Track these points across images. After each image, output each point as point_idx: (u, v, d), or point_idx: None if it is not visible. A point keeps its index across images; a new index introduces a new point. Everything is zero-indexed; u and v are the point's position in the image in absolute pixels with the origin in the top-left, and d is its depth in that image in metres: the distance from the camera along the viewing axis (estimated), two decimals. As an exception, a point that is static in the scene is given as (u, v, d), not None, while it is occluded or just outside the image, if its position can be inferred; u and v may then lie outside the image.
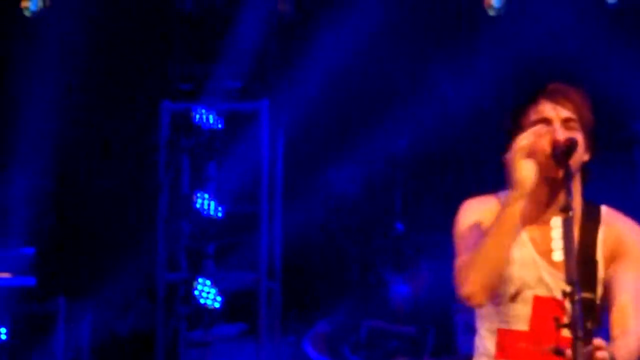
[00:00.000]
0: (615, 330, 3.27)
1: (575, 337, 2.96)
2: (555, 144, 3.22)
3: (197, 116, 7.42)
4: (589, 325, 3.16)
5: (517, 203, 3.23)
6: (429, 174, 7.99)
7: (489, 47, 7.63)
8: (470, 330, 7.46)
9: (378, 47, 7.77)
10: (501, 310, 3.32)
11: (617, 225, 3.35)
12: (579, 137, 3.26)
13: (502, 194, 3.35)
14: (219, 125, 7.45)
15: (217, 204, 7.33)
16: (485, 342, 3.38)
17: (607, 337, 3.23)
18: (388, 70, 7.95)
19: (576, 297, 2.98)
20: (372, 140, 7.85)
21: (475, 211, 3.39)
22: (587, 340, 3.07)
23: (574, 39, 7.49)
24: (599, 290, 3.31)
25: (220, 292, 7.20)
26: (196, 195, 7.33)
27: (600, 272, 3.33)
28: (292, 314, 7.78)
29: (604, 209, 3.38)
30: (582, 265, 3.21)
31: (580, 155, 3.29)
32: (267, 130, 7.55)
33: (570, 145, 3.21)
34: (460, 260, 3.29)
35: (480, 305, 3.28)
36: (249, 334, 7.57)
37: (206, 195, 7.34)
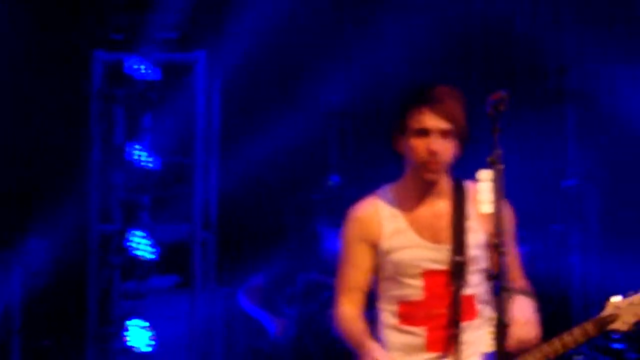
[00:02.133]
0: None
1: (502, 287, 3.33)
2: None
3: (131, 66, 7.32)
4: (461, 284, 3.84)
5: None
6: (365, 127, 8.00)
7: (427, 3, 7.65)
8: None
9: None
10: (396, 288, 3.91)
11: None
12: (452, 146, 3.82)
13: (382, 192, 4.01)
14: (154, 76, 7.36)
15: (152, 155, 7.26)
16: (389, 315, 3.95)
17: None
18: (326, 23, 7.92)
19: (502, 249, 3.34)
20: (309, 92, 7.83)
21: (356, 227, 4.03)
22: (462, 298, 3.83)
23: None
24: (470, 253, 3.87)
25: (155, 244, 7.16)
26: (130, 146, 7.25)
27: (475, 238, 3.87)
28: (227, 265, 7.77)
29: (468, 183, 3.93)
30: (454, 233, 3.87)
31: (451, 156, 3.84)
32: (203, 81, 7.49)
33: (499, 99, 3.44)
34: (340, 281, 4.02)
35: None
36: (184, 286, 7.55)
37: (140, 147, 7.27)
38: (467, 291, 3.90)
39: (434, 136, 3.82)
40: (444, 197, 3.96)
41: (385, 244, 3.93)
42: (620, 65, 7.74)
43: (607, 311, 4.01)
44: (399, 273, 3.90)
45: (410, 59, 7.58)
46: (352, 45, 7.77)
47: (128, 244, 7.18)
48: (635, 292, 4.02)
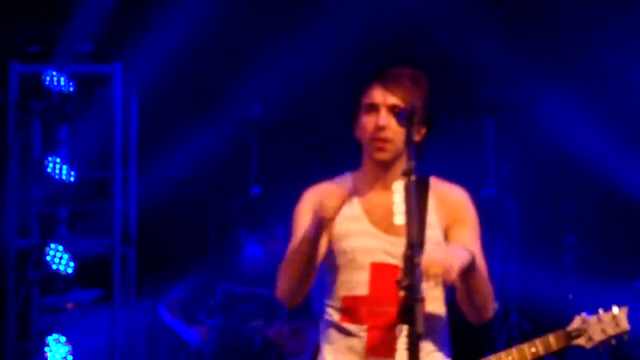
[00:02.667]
0: None
1: (414, 299, 3.16)
2: (398, 110, 3.54)
3: (48, 79, 7.25)
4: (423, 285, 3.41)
5: (316, 230, 3.52)
6: (285, 137, 8.02)
7: (343, 11, 7.68)
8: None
9: (232, 9, 7.72)
10: (342, 279, 3.64)
11: (447, 193, 3.72)
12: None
13: (340, 178, 3.73)
14: (71, 88, 7.30)
15: (70, 169, 7.20)
16: (332, 311, 3.68)
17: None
18: (242, 32, 7.92)
19: (416, 260, 3.17)
20: (227, 102, 7.82)
21: (310, 204, 3.67)
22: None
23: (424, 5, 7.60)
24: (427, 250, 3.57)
25: (73, 258, 7.09)
26: (48, 159, 7.18)
27: (432, 234, 3.64)
28: (148, 279, 7.73)
29: (432, 179, 3.72)
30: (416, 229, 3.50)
31: (401, 137, 3.50)
32: (120, 93, 7.45)
33: (411, 111, 3.37)
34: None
35: (293, 307, 3.69)
36: (104, 300, 7.49)
37: (58, 160, 7.20)
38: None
39: (382, 111, 3.61)
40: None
41: (337, 228, 3.63)
42: (539, 77, 7.85)
43: (574, 325, 3.95)
44: (347, 262, 3.64)
45: (332, 67, 7.61)
46: (270, 53, 7.78)
47: (47, 258, 7.09)
48: (605, 310, 3.96)
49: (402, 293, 3.21)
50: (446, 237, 3.69)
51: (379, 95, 3.63)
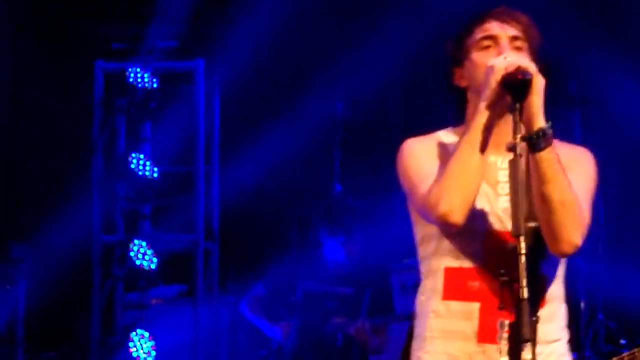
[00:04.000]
0: None
1: (522, 297, 2.71)
2: (507, 76, 2.92)
3: (132, 75, 7.31)
4: (537, 256, 2.98)
5: (486, 111, 2.96)
6: (368, 136, 7.97)
7: (429, 6, 7.61)
8: (407, 291, 7.53)
9: (317, 5, 7.70)
10: (449, 246, 3.08)
11: (569, 150, 3.16)
12: (526, 58, 3.01)
13: (442, 133, 3.22)
14: (154, 85, 7.35)
15: (153, 165, 7.25)
16: (431, 283, 3.13)
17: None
18: (325, 29, 7.89)
19: (523, 252, 2.72)
20: (310, 100, 7.80)
21: (422, 146, 3.19)
22: (538, 276, 2.98)
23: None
24: None
25: (156, 254, 7.14)
26: (131, 155, 7.24)
27: None
28: (230, 275, 7.75)
29: (555, 142, 3.11)
30: (528, 195, 2.93)
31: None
32: (203, 89, 7.48)
33: (525, 82, 2.89)
34: (424, 187, 3.01)
35: (458, 224, 2.96)
36: (187, 296, 7.53)
37: (142, 156, 7.26)
38: (543, 269, 3.07)
39: (504, 42, 3.11)
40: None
41: None
42: (627, 71, 7.70)
43: None
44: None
45: (414, 67, 7.54)
46: (354, 52, 7.74)
47: (130, 254, 7.16)
48: None
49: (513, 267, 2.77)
50: None
51: (497, 27, 3.14)
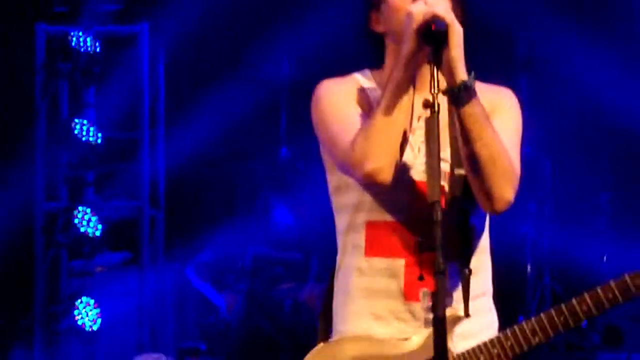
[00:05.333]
0: None
1: (438, 270, 2.53)
2: (422, 26, 2.74)
3: (74, 39, 7.17)
4: (466, 206, 2.88)
5: (407, 60, 2.79)
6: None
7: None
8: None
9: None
10: (370, 199, 2.91)
11: (490, 90, 3.01)
12: (446, 4, 2.80)
13: (360, 76, 3.03)
14: (98, 49, 7.22)
15: (97, 130, 7.13)
16: (352, 238, 2.97)
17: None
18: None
19: (439, 218, 2.54)
20: (256, 63, 7.72)
21: (340, 89, 2.98)
22: (468, 228, 2.87)
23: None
24: None
25: (101, 221, 7.04)
26: (75, 121, 7.11)
27: None
28: (176, 241, 7.68)
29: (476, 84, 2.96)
30: (455, 138, 2.87)
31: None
32: (147, 53, 7.36)
33: (439, 32, 2.73)
34: (346, 139, 2.84)
35: (385, 183, 2.81)
36: (132, 263, 7.46)
37: (85, 122, 7.13)
38: (474, 219, 2.93)
39: None
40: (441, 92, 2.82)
41: None
42: (572, 33, 7.70)
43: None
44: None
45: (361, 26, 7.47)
46: (300, 13, 7.66)
47: (74, 221, 7.05)
48: None
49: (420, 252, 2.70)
50: None
51: None
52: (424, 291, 2.89)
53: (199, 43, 7.55)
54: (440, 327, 2.55)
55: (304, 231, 6.95)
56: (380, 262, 2.92)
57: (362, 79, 3.02)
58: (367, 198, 2.91)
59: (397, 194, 2.88)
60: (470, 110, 2.77)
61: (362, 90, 2.99)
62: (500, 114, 2.95)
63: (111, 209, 7.27)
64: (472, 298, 2.89)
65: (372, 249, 2.92)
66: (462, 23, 2.80)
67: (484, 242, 2.99)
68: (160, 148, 7.54)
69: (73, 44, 7.18)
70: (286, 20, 7.66)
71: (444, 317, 2.54)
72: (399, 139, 2.83)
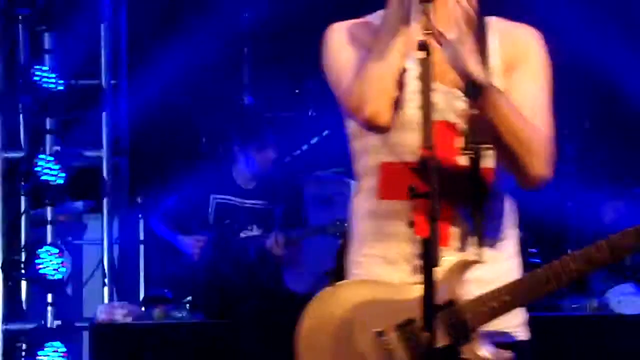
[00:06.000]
0: None
1: (433, 211, 2.49)
2: None
3: (33, -17, 7.04)
4: (483, 146, 2.77)
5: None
6: (277, 46, 7.84)
7: None
8: (320, 203, 7.48)
9: None
10: (388, 140, 2.83)
11: (512, 30, 2.90)
12: None
13: (373, 16, 2.92)
14: (57, -6, 7.08)
15: (58, 77, 7.01)
16: (367, 181, 2.90)
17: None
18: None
19: (434, 165, 2.51)
20: (219, 10, 7.63)
21: (348, 31, 2.89)
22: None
23: None
24: None
25: (63, 169, 6.95)
26: (34, 68, 6.99)
27: (496, 82, 2.79)
28: (140, 190, 7.62)
29: (494, 19, 2.91)
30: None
31: None
32: (109, -1, 7.25)
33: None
34: (346, 85, 2.79)
35: (385, 126, 2.76)
36: (96, 211, 7.39)
37: (45, 68, 7.02)
38: (487, 162, 2.81)
39: None
40: (454, 26, 2.74)
41: None
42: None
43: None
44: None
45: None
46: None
47: (36, 169, 6.95)
48: None
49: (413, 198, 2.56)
50: (506, 80, 2.87)
51: None
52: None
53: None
54: (429, 276, 2.49)
55: (268, 180, 6.90)
56: (392, 205, 2.82)
57: (374, 19, 2.91)
58: (380, 141, 2.84)
59: (406, 135, 2.80)
60: (486, 102, 2.70)
61: (373, 31, 2.85)
62: (524, 67, 2.86)
63: (74, 156, 7.18)
64: (488, 244, 2.82)
65: (385, 191, 2.85)
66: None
67: (501, 185, 2.86)
68: (122, 95, 7.45)
69: (30, -13, 7.04)
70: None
71: (433, 264, 2.48)
72: (394, 81, 2.74)
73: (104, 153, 7.22)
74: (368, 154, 2.90)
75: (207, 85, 7.77)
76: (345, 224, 6.35)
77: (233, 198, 6.89)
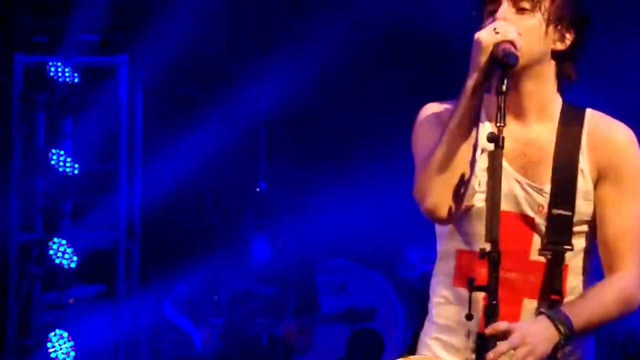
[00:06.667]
0: (605, 270, 2.80)
1: (491, 305, 2.52)
2: (493, 56, 2.64)
3: (52, 69, 7.14)
4: (561, 247, 2.74)
5: (473, 92, 2.68)
6: (292, 133, 7.91)
7: (353, 1, 7.57)
8: (332, 290, 7.49)
9: (239, 3, 7.62)
10: (461, 228, 2.81)
11: (608, 131, 2.82)
12: (534, 26, 2.73)
13: None
14: (76, 80, 7.19)
15: (74, 161, 7.09)
16: (443, 266, 2.88)
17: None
18: (249, 27, 7.81)
19: (495, 257, 2.51)
20: (234, 97, 7.71)
21: (435, 114, 2.86)
22: (558, 261, 2.73)
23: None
24: (580, 205, 2.77)
25: (76, 252, 6.98)
26: (51, 151, 7.07)
27: (582, 184, 2.78)
28: (152, 274, 7.63)
29: (590, 112, 2.84)
30: (558, 175, 2.75)
31: (536, 44, 2.74)
32: (126, 85, 7.34)
33: (506, 55, 2.60)
34: (418, 170, 2.78)
35: (444, 219, 2.74)
36: (107, 295, 7.39)
37: (62, 152, 7.09)
38: (564, 261, 2.78)
39: (501, 7, 2.73)
40: (547, 122, 2.78)
41: None
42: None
43: None
44: (468, 206, 2.76)
45: (339, 64, 7.49)
46: (279, 49, 7.67)
47: (49, 252, 6.98)
48: None
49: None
50: (595, 189, 2.79)
51: None
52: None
53: (178, 75, 7.54)
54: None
55: (282, 266, 6.92)
56: (465, 292, 2.75)
57: None
58: (453, 227, 2.83)
59: (478, 225, 2.75)
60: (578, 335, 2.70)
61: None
62: (621, 182, 2.80)
63: (87, 240, 7.21)
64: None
65: (459, 278, 2.82)
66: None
67: (581, 285, 2.83)
68: (137, 180, 7.50)
69: (51, 74, 7.15)
70: (264, 55, 7.67)
71: None
72: (457, 172, 2.71)
73: (118, 237, 7.25)
74: (443, 239, 2.88)
75: (221, 171, 7.82)
76: (358, 312, 6.37)
77: (246, 284, 6.91)
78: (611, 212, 2.79)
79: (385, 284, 6.94)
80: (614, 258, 2.78)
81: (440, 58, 7.01)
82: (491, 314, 2.50)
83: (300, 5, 7.62)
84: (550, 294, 2.76)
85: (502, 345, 2.57)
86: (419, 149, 2.85)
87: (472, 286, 2.56)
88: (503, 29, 2.66)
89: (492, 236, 2.53)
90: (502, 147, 2.54)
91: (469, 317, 2.60)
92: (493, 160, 2.57)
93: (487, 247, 2.58)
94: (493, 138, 2.55)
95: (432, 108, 2.90)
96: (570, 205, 2.75)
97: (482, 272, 2.64)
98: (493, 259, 2.51)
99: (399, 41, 7.60)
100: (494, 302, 2.50)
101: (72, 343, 6.86)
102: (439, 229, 2.89)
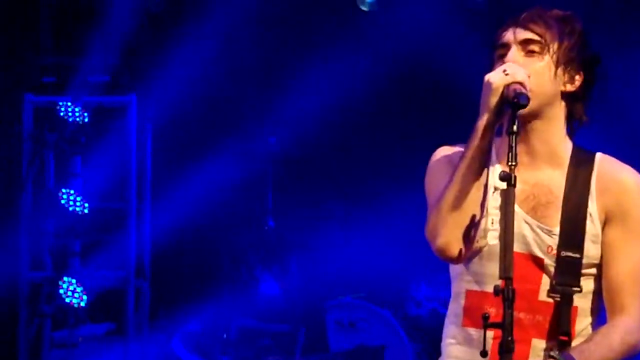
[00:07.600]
0: (609, 312, 2.86)
1: (506, 341, 2.53)
2: (503, 96, 2.69)
3: (62, 109, 7.20)
4: (570, 288, 2.79)
5: (483, 133, 2.72)
6: (300, 171, 7.94)
7: (363, 43, 7.62)
8: (341, 328, 7.49)
9: (248, 43, 7.68)
10: (471, 268, 2.86)
11: (616, 174, 2.87)
12: (543, 68, 2.80)
13: None
14: (85, 119, 7.24)
15: (83, 200, 7.13)
16: (454, 306, 2.94)
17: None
18: (258, 66, 7.87)
19: (510, 294, 2.53)
20: (242, 135, 7.75)
21: (448, 156, 2.92)
22: (567, 309, 2.77)
23: (443, 37, 7.51)
24: (588, 248, 2.81)
25: (86, 291, 7.00)
26: (61, 191, 7.11)
27: (591, 228, 2.83)
28: (161, 312, 7.63)
29: (599, 156, 2.90)
30: (568, 217, 2.80)
31: (545, 86, 2.81)
32: (135, 125, 7.39)
33: (517, 95, 2.64)
34: (430, 210, 2.83)
35: (454, 258, 2.79)
36: (117, 334, 7.40)
37: (72, 191, 7.13)
38: (573, 302, 2.83)
39: (512, 48, 2.81)
40: (557, 165, 2.86)
41: None
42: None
43: None
44: (478, 247, 2.81)
45: (350, 102, 7.54)
46: (285, 87, 7.72)
47: (59, 291, 7.00)
48: None
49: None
50: (602, 232, 2.85)
51: (509, 32, 2.83)
52: None
53: (187, 115, 7.59)
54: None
55: (289, 304, 6.92)
56: (474, 333, 2.86)
57: None
58: (464, 268, 2.88)
59: (489, 265, 2.81)
60: None
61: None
62: (628, 225, 2.85)
63: (96, 279, 7.23)
64: None
65: (468, 318, 2.88)
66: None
67: (589, 327, 2.88)
68: (146, 219, 7.52)
69: (61, 113, 7.20)
70: (274, 93, 7.71)
71: None
72: (469, 214, 2.75)
73: (127, 276, 7.27)
74: (455, 280, 2.93)
75: (229, 209, 7.84)
76: (368, 350, 6.37)
77: (255, 322, 6.91)
78: (616, 254, 2.83)
79: (394, 322, 6.94)
80: (618, 301, 2.83)
81: (452, 100, 7.07)
82: (506, 350, 2.52)
83: (309, 45, 7.68)
84: (558, 335, 2.79)
85: None
86: (431, 189, 2.90)
87: (486, 323, 2.58)
88: (512, 71, 2.72)
89: (506, 273, 2.55)
90: (515, 185, 2.58)
91: (484, 354, 2.62)
92: (505, 199, 2.59)
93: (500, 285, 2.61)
94: (505, 177, 2.58)
95: (444, 150, 2.96)
96: (579, 247, 2.80)
97: (492, 311, 2.69)
98: (508, 295, 2.53)
99: (409, 82, 7.66)
100: (510, 338, 2.52)
101: (82, 382, 6.86)
102: (453, 270, 2.93)
